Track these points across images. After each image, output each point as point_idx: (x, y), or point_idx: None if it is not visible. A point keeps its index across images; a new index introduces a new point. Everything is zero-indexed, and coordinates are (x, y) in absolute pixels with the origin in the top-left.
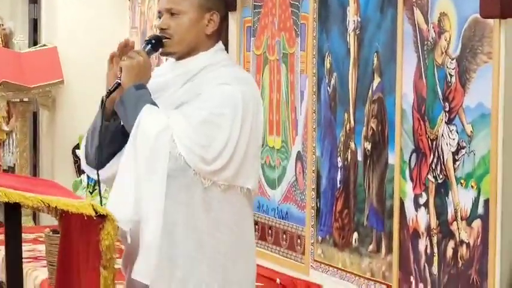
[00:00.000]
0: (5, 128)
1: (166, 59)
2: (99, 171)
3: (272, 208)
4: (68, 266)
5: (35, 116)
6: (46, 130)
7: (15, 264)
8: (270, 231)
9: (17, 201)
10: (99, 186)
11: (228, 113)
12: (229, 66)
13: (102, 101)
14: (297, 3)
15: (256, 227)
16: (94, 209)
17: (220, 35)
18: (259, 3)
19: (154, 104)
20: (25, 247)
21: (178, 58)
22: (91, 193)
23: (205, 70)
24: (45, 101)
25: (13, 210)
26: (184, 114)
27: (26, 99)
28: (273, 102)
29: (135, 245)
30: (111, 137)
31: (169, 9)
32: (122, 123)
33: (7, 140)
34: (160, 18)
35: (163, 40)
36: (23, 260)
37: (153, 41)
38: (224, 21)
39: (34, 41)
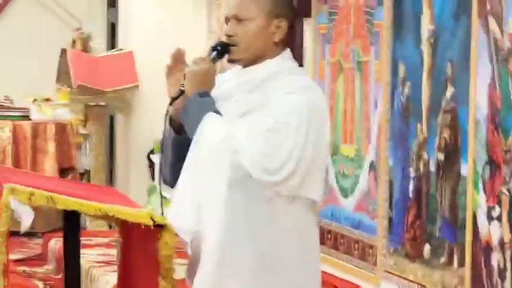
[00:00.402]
0: (82, 131)
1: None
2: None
3: (345, 217)
4: (128, 274)
5: (112, 119)
6: (121, 134)
7: (74, 271)
8: (342, 240)
9: (75, 209)
10: (161, 198)
11: (293, 122)
12: (296, 74)
13: (168, 111)
14: (372, 10)
15: (329, 235)
16: (152, 219)
17: (288, 42)
18: (334, 10)
19: (217, 112)
20: (98, 251)
21: (245, 65)
22: (166, 198)
23: (271, 78)
24: (120, 105)
25: (72, 217)
26: (249, 123)
27: (101, 103)
28: (347, 110)
29: (198, 255)
30: (183, 151)
31: (236, 16)
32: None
33: (84, 144)
34: (227, 24)
35: (230, 47)
36: (96, 264)
37: (219, 48)
38: (293, 28)
39: (112, 45)
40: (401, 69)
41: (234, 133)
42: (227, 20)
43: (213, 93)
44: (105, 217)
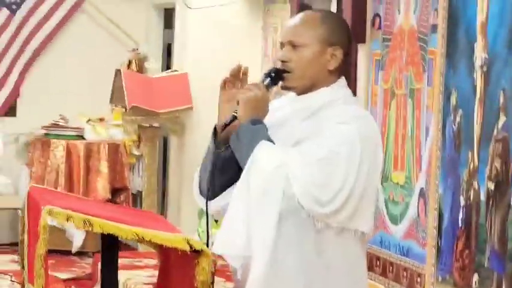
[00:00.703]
0: (135, 152)
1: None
2: (210, 202)
3: (394, 244)
4: None
5: (166, 141)
6: (174, 155)
7: None
8: (391, 267)
9: (112, 232)
10: (207, 217)
11: (345, 152)
12: (349, 103)
13: (215, 129)
14: (425, 37)
15: (378, 262)
16: (189, 244)
17: (343, 70)
18: (389, 36)
19: (270, 140)
20: (147, 273)
21: (299, 92)
22: (216, 221)
23: (325, 107)
24: (174, 127)
25: (110, 241)
26: (301, 152)
27: (155, 124)
28: (399, 137)
29: (243, 284)
30: (223, 166)
31: (291, 42)
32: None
33: (137, 165)
34: (282, 49)
35: (284, 74)
36: (144, 286)
37: (273, 75)
38: (348, 56)
39: (167, 66)
40: (454, 97)
41: (287, 162)
42: (282, 45)
43: (267, 120)
44: (143, 241)
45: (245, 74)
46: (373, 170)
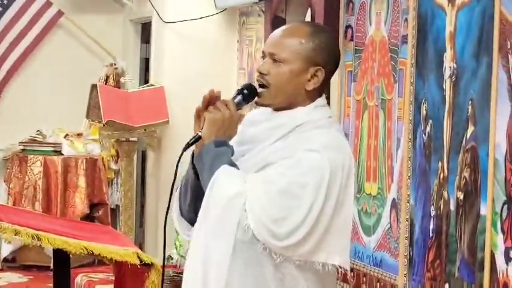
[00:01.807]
0: (113, 166)
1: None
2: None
3: (367, 255)
4: None
5: (144, 155)
6: (152, 170)
7: None
8: (364, 278)
9: (60, 247)
10: (164, 237)
11: (311, 183)
12: (325, 127)
13: (193, 156)
14: (396, 48)
15: (352, 273)
16: (139, 257)
17: (323, 89)
18: (360, 48)
19: (233, 164)
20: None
21: (275, 109)
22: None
23: (300, 128)
24: (150, 141)
25: (61, 255)
26: (263, 180)
27: (132, 139)
28: (371, 148)
29: None
30: (201, 193)
31: (273, 54)
32: None
33: (116, 179)
34: (263, 59)
35: (260, 90)
36: None
37: (245, 91)
38: (330, 78)
39: (146, 80)
40: (424, 107)
41: (245, 191)
42: (264, 54)
43: (240, 134)
44: (92, 255)
45: (218, 97)
46: (342, 200)
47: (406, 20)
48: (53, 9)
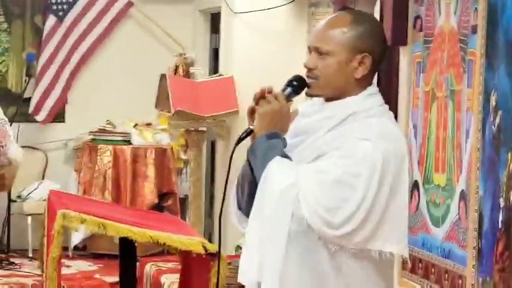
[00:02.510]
0: (183, 156)
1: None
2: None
3: (435, 246)
4: None
5: (213, 145)
6: (221, 160)
7: None
8: (432, 269)
9: (125, 235)
10: (220, 233)
11: (364, 173)
12: (377, 116)
13: (238, 145)
14: (466, 38)
15: (420, 264)
16: (204, 247)
17: (373, 77)
18: (430, 38)
19: (286, 155)
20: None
21: (326, 99)
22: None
23: (352, 117)
24: (220, 131)
25: (127, 244)
26: (317, 170)
27: (201, 129)
28: (440, 139)
29: None
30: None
31: (318, 48)
32: None
33: (185, 169)
34: (310, 54)
35: (309, 81)
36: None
37: (295, 83)
38: (380, 63)
39: (214, 70)
40: (493, 98)
41: (299, 181)
42: (309, 50)
43: (293, 126)
44: (158, 244)
45: (270, 93)
46: (397, 188)
47: (476, 10)
48: (123, 0)
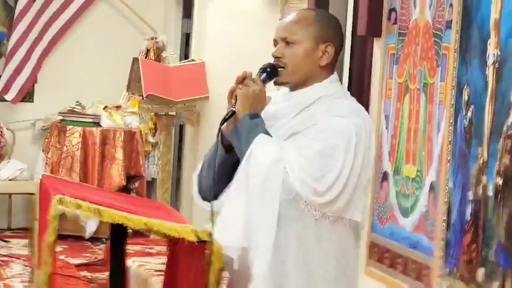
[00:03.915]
0: (151, 139)
1: (278, 88)
2: (213, 201)
3: (403, 237)
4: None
5: (181, 129)
6: (189, 144)
7: (118, 283)
8: (399, 259)
9: (120, 222)
10: (212, 217)
11: (341, 145)
12: (343, 98)
13: (220, 129)
14: (440, 33)
15: (387, 254)
16: (196, 235)
17: (334, 66)
18: (404, 31)
19: (268, 133)
20: (159, 260)
21: (292, 88)
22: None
23: (319, 101)
24: (190, 116)
25: (118, 230)
26: (298, 145)
27: (171, 113)
28: (411, 131)
29: (242, 274)
30: (227, 170)
31: (285, 38)
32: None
33: (152, 152)
34: (275, 46)
35: (278, 69)
36: (156, 273)
37: (268, 69)
38: (339, 53)
39: (186, 55)
40: (466, 93)
41: (284, 155)
42: (276, 42)
43: (262, 114)
44: (151, 231)
45: (249, 77)
46: (366, 162)
47: (451, 5)
48: None
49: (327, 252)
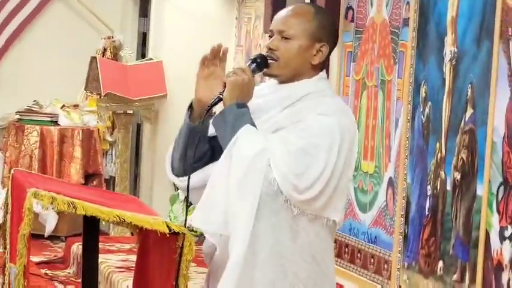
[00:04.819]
0: (109, 138)
1: (264, 80)
2: (183, 178)
3: (362, 231)
4: (143, 280)
5: (139, 128)
6: (147, 142)
7: (91, 276)
8: (359, 254)
9: (94, 215)
10: (188, 192)
11: (324, 144)
12: (330, 96)
13: (191, 106)
14: (397, 30)
15: (346, 249)
16: (168, 226)
17: (324, 65)
18: (361, 29)
19: (253, 124)
20: (119, 257)
21: (280, 81)
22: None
23: (307, 97)
24: (148, 114)
25: (91, 223)
26: (282, 140)
27: (129, 111)
28: (369, 127)
29: (219, 263)
30: (196, 141)
31: (282, 31)
32: (210, 131)
33: (110, 150)
34: (271, 37)
35: (269, 61)
36: (116, 269)
37: (258, 60)
38: (331, 53)
39: (142, 54)
40: (423, 89)
41: (268, 148)
42: (271, 32)
43: (249, 105)
44: (123, 224)
45: (224, 53)
46: (348, 163)
47: (407, 3)
48: None
49: (302, 249)
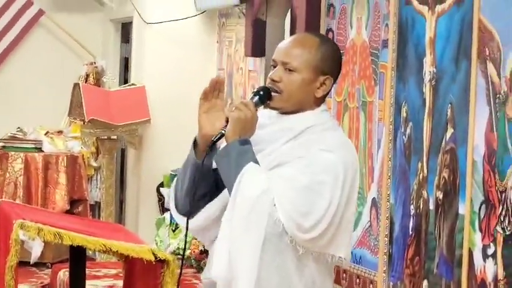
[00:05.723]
0: (93, 163)
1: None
2: (189, 220)
3: None
4: None
5: (123, 153)
6: (132, 167)
7: None
8: (344, 274)
9: (80, 244)
10: (186, 233)
11: (329, 181)
12: (332, 129)
13: (195, 140)
14: (377, 52)
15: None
16: (154, 254)
17: (327, 96)
18: (341, 51)
19: (256, 161)
20: (106, 282)
21: (282, 113)
22: (173, 231)
23: (309, 130)
24: (132, 139)
25: (77, 252)
26: (285, 178)
27: (113, 137)
28: None
29: None
30: (200, 178)
31: (285, 63)
32: (213, 166)
33: (95, 176)
34: (273, 67)
35: (272, 94)
36: None
37: (261, 93)
38: (334, 84)
39: (125, 79)
40: (404, 110)
41: (272, 187)
42: (274, 62)
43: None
44: (110, 252)
45: (222, 84)
46: (351, 199)
47: (386, 25)
48: (34, 8)
49: (306, 285)
